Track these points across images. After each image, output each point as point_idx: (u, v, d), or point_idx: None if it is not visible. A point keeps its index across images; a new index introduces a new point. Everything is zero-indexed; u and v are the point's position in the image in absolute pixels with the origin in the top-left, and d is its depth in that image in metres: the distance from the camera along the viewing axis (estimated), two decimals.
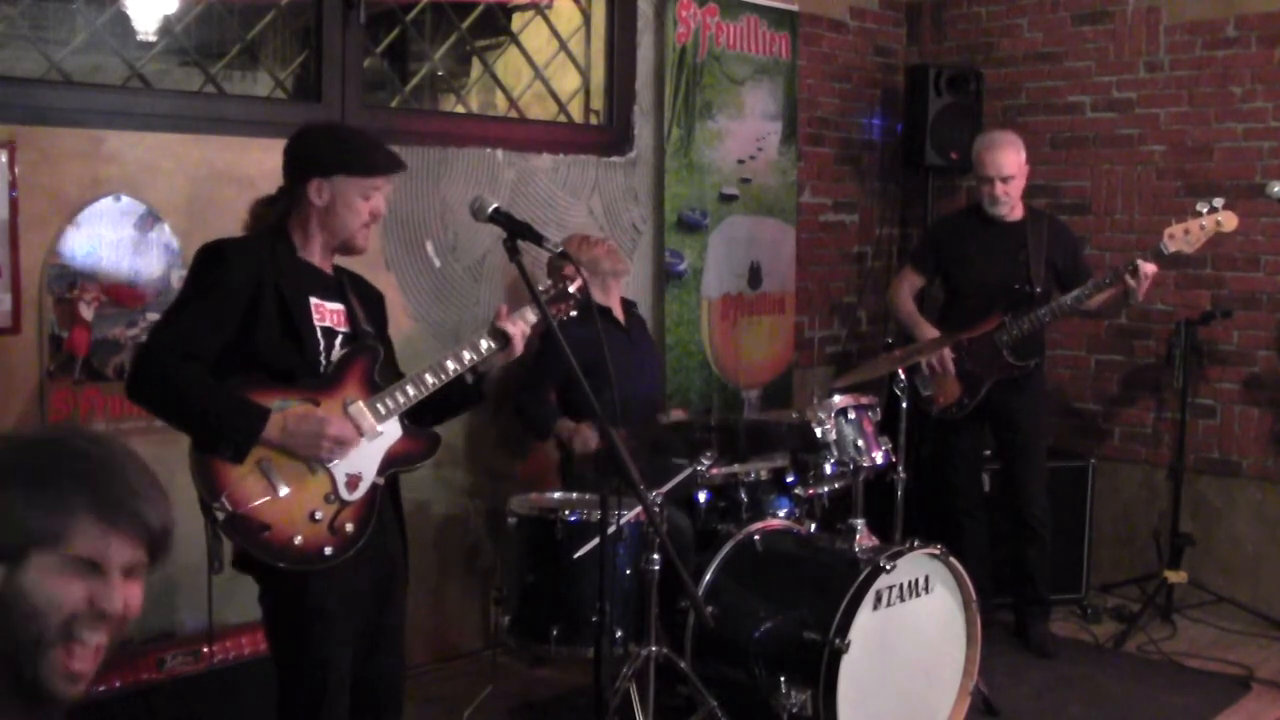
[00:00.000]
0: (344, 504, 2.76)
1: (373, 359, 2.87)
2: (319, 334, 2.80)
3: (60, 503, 1.50)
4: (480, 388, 3.07)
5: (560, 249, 2.93)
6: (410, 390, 2.86)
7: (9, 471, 1.52)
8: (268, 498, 2.66)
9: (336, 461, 2.74)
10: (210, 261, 2.74)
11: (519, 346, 3.00)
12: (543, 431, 4.37)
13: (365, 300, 2.99)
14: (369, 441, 2.81)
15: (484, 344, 2.95)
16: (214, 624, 3.20)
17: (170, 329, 2.70)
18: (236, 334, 2.69)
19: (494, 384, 4.51)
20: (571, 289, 3.12)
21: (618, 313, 4.41)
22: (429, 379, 2.88)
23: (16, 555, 1.48)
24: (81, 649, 1.54)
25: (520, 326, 2.99)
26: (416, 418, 2.94)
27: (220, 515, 2.61)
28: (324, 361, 2.79)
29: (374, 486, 2.82)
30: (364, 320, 2.92)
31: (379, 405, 2.82)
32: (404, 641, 3.05)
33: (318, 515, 2.71)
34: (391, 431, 2.87)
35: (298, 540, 2.68)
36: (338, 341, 2.84)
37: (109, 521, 1.52)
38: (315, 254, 2.85)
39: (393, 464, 2.88)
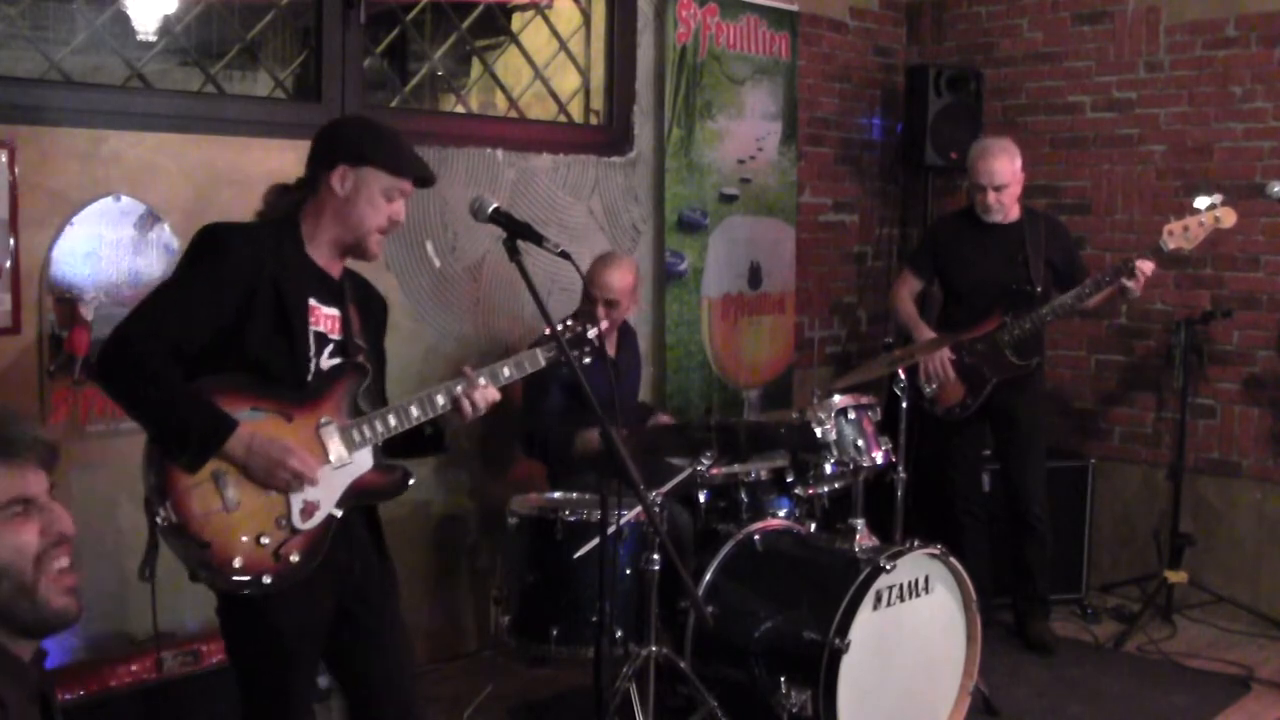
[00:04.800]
0: (294, 531, 2.55)
1: (359, 379, 2.69)
2: (311, 338, 2.61)
3: None
4: (441, 439, 2.86)
5: (560, 249, 2.76)
6: (391, 420, 2.67)
7: None
8: (214, 512, 2.47)
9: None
10: (210, 245, 2.54)
11: (468, 414, 2.76)
12: (567, 455, 4.15)
13: (366, 307, 2.81)
14: (335, 469, 2.62)
15: (460, 387, 2.74)
16: (160, 630, 3.05)
17: (154, 314, 2.50)
18: (226, 327, 2.51)
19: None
20: (590, 334, 2.94)
21: (610, 345, 4.31)
22: (414, 411, 2.69)
23: None
24: (59, 573, 1.68)
25: (488, 394, 2.77)
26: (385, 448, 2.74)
27: (162, 521, 2.43)
28: (311, 368, 2.61)
29: (329, 518, 2.61)
30: (358, 331, 2.74)
31: (354, 433, 2.64)
32: (413, 670, 2.93)
33: (264, 539, 2.50)
34: (361, 462, 2.66)
35: (236, 562, 2.47)
36: (328, 350, 2.65)
37: (13, 457, 1.65)
38: (323, 253, 2.67)
39: (357, 496, 2.67)
